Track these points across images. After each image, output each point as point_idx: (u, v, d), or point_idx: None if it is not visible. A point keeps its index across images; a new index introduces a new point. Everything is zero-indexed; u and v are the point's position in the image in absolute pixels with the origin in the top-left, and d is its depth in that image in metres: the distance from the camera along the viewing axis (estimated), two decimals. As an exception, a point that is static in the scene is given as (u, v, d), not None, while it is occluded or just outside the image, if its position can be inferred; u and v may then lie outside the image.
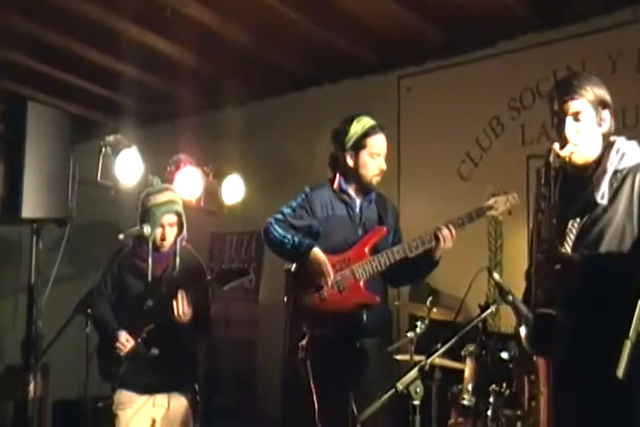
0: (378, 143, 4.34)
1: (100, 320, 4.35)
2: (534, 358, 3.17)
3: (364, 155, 4.31)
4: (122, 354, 4.36)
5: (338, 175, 4.43)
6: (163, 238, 4.47)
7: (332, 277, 4.16)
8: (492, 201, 4.24)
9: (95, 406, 5.20)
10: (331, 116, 4.63)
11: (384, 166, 4.36)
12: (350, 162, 4.34)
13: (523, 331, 3.04)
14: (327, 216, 4.35)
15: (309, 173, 5.50)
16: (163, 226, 4.46)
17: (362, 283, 4.19)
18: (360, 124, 4.33)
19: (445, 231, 4.14)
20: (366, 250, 4.25)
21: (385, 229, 4.36)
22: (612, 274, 2.96)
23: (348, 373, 4.17)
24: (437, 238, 4.14)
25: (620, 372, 2.41)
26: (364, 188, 4.39)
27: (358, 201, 4.40)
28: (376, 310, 4.25)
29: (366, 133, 4.31)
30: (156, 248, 4.49)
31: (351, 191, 4.40)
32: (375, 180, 4.36)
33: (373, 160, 4.32)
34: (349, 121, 4.36)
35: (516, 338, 3.21)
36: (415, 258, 4.22)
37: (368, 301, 4.21)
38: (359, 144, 4.31)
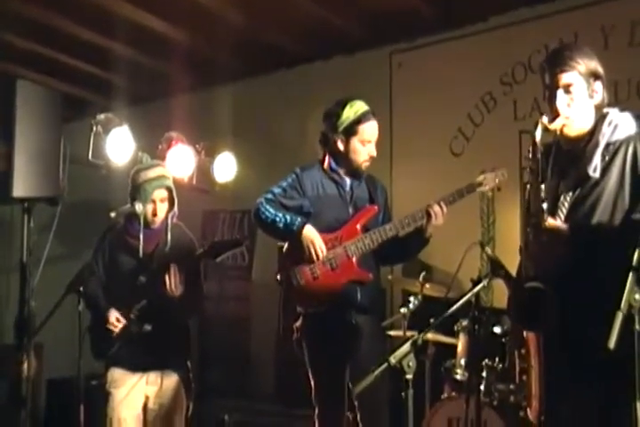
0: (369, 131, 4.31)
1: (90, 299, 4.34)
2: (524, 333, 3.17)
3: (354, 141, 4.28)
4: (114, 335, 4.37)
5: (327, 155, 4.42)
6: (154, 214, 4.45)
7: (324, 253, 4.16)
8: (481, 177, 4.28)
9: (89, 384, 5.23)
10: (323, 93, 4.63)
11: (374, 153, 4.34)
12: (341, 146, 4.31)
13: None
14: (318, 195, 4.33)
15: (301, 150, 5.49)
16: (154, 201, 4.44)
17: (354, 260, 4.20)
18: (353, 110, 4.28)
19: (437, 208, 4.17)
20: (358, 227, 4.25)
21: (376, 207, 4.36)
22: (601, 246, 2.95)
23: (343, 350, 4.16)
24: (429, 215, 4.17)
25: (612, 343, 2.42)
26: (354, 172, 4.38)
27: (348, 180, 4.39)
28: (369, 287, 4.26)
29: (358, 120, 4.27)
30: (147, 225, 4.47)
31: (341, 171, 4.39)
32: (364, 165, 4.34)
33: (364, 147, 4.30)
34: (343, 104, 4.31)
35: (508, 313, 3.21)
36: (406, 236, 4.27)
37: (361, 278, 4.22)
38: (351, 130, 4.27)
